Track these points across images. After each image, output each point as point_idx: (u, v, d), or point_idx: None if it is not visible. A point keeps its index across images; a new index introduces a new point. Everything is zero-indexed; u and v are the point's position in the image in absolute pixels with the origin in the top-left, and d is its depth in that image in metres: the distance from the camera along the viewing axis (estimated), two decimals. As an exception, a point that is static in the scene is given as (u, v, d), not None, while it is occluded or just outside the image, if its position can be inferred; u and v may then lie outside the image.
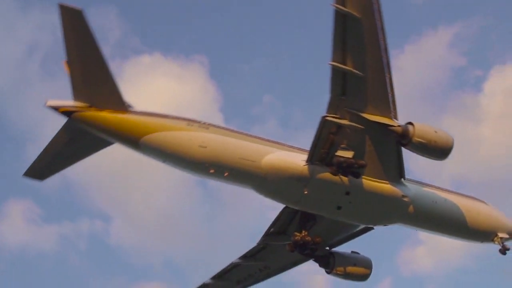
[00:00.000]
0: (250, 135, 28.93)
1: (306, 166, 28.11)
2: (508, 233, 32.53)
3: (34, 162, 28.82)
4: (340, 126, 27.59)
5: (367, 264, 32.30)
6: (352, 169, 27.51)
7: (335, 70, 26.43)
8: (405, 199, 29.73)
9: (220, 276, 34.63)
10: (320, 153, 28.13)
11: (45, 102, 27.01)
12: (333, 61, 26.21)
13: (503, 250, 31.93)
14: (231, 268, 34.04)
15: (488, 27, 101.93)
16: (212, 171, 27.67)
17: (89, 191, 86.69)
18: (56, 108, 26.92)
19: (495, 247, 32.55)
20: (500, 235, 32.16)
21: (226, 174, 27.85)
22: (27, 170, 29.24)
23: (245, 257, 33.37)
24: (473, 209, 31.85)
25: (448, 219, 31.16)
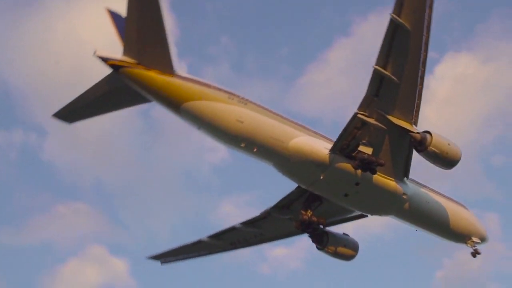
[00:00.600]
0: (282, 116, 30.38)
1: (328, 155, 30.08)
2: (480, 238, 36.26)
3: (67, 105, 29.07)
4: (365, 123, 29.57)
5: (355, 247, 35.20)
6: (371, 166, 29.74)
7: (375, 73, 28.18)
8: (404, 196, 32.51)
9: (217, 236, 36.68)
10: (342, 144, 30.15)
11: (95, 51, 27.13)
12: (376, 65, 27.96)
13: (474, 254, 35.74)
14: (230, 230, 36.10)
15: (452, 14, 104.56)
16: (243, 145, 29.09)
17: (29, 101, 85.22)
18: (104, 60, 27.14)
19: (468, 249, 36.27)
20: (474, 239, 35.84)
21: (255, 150, 29.38)
22: (57, 112, 29.50)
23: (246, 223, 35.44)
24: (457, 213, 35.21)
25: (435, 219, 34.38)
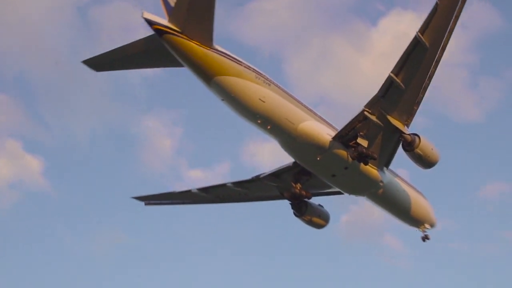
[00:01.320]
0: (296, 99, 33.15)
1: (329, 141, 33.47)
2: (430, 225, 41.74)
3: (100, 55, 30.17)
4: (367, 118, 33.09)
5: (327, 218, 39.53)
6: (366, 158, 33.55)
7: (389, 78, 31.50)
8: (381, 183, 36.85)
9: (206, 189, 39.73)
10: (342, 134, 33.63)
11: (142, 13, 28.18)
12: (392, 72, 31.28)
13: (424, 238, 41.26)
14: (220, 187, 39.22)
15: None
16: (259, 121, 31.76)
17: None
18: (150, 22, 28.30)
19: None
20: (426, 225, 41.26)
21: (269, 127, 32.18)
22: (88, 59, 30.52)
23: (236, 183, 38.64)
24: (418, 202, 40.23)
25: (400, 206, 39.22)
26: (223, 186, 39.22)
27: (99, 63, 30.77)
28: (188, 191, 40.08)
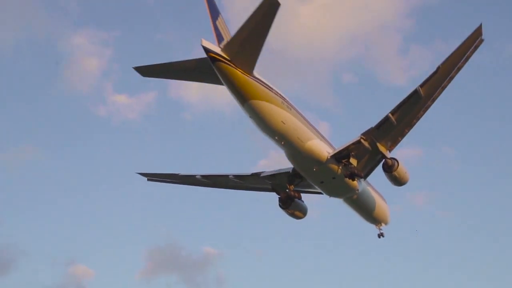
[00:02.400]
0: (308, 121, 38.98)
1: (327, 157, 39.88)
2: (385, 223, 49.98)
3: (152, 65, 34.40)
4: (361, 143, 39.77)
5: (305, 211, 46.33)
6: (354, 176, 40.41)
7: (386, 117, 38.13)
8: (357, 191, 44.09)
9: (208, 177, 45.28)
10: (339, 153, 40.18)
11: (201, 40, 32.49)
12: (390, 113, 37.92)
13: (380, 235, 49.48)
14: (221, 176, 44.86)
15: None
16: (277, 138, 37.41)
17: None
18: (206, 50, 32.69)
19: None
20: (383, 224, 49.49)
21: (282, 143, 37.94)
22: (138, 66, 34.55)
23: (237, 176, 44.43)
24: (381, 207, 48.10)
25: (367, 209, 46.88)
26: (225, 176, 44.85)
27: (147, 71, 34.80)
28: (193, 176, 45.37)
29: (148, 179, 47.30)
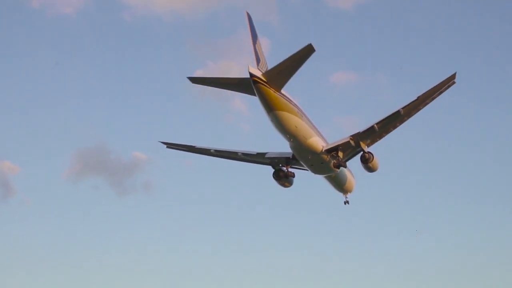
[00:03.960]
0: (312, 123, 49.32)
1: (321, 150, 50.87)
2: (351, 193, 62.65)
3: (203, 77, 43.35)
4: (349, 142, 51.03)
5: (292, 183, 57.57)
6: (340, 166, 51.99)
7: (372, 126, 49.32)
8: (337, 171, 55.91)
9: (219, 151, 55.29)
10: (330, 148, 51.33)
11: (248, 67, 41.48)
12: (376, 124, 49.11)
13: (346, 202, 62.21)
14: (231, 152, 54.95)
15: None
16: (288, 136, 47.69)
17: None
18: (251, 74, 41.77)
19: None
20: (348, 193, 62.18)
21: (291, 140, 48.31)
22: (192, 77, 43.20)
23: (244, 153, 54.72)
24: (350, 181, 60.39)
25: (340, 183, 59.00)
26: (234, 153, 55.04)
27: (198, 80, 43.51)
28: (207, 149, 55.16)
29: (167, 147, 56.49)
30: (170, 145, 56.55)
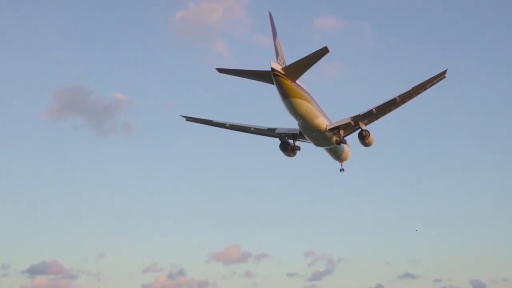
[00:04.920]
0: (319, 106, 56.30)
1: (325, 128, 58.18)
2: (346, 161, 70.60)
3: (230, 69, 49.65)
4: (349, 122, 58.39)
5: (295, 153, 65.29)
6: (340, 142, 59.53)
7: (371, 109, 56.59)
8: (335, 144, 63.49)
9: (233, 125, 62.29)
10: (333, 127, 58.65)
11: (270, 62, 47.91)
12: (374, 108, 56.35)
13: (341, 170, 70.21)
14: (245, 127, 61.88)
15: None
16: (298, 118, 54.77)
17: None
18: (272, 68, 48.23)
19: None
20: (344, 162, 70.09)
21: (301, 121, 55.43)
22: (220, 68, 49.43)
23: (257, 128, 61.78)
24: (346, 151, 68.16)
25: (338, 153, 66.86)
26: (248, 127, 61.92)
27: (224, 70, 49.75)
28: (224, 123, 61.93)
29: (186, 120, 63.02)
30: (189, 118, 63.12)
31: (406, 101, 56.84)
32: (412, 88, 54.88)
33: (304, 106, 53.52)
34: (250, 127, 62.42)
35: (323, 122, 58.01)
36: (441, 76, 53.87)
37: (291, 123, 60.28)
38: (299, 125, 57.98)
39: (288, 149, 63.49)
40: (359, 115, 57.98)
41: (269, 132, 62.95)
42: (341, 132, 59.64)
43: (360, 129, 60.02)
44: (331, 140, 60.82)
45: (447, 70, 53.26)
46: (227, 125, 62.54)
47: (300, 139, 63.55)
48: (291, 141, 62.63)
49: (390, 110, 57.98)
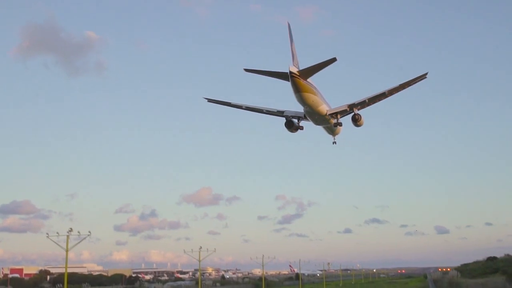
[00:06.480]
0: (322, 96, 68.66)
1: (325, 113, 70.86)
2: (338, 135, 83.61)
3: (256, 69, 61.20)
4: (345, 109, 71.17)
5: (297, 130, 77.98)
6: (337, 125, 72.43)
7: (364, 99, 69.39)
8: (332, 123, 76.27)
9: (249, 107, 74.23)
10: (332, 112, 71.35)
11: (289, 66, 59.77)
12: (367, 99, 69.17)
13: (334, 142, 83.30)
14: (258, 109, 73.95)
15: None
16: (306, 107, 67.22)
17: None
18: (290, 71, 60.17)
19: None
20: (336, 136, 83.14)
21: (307, 108, 67.88)
22: (249, 68, 60.97)
23: (268, 110, 74.03)
24: (339, 128, 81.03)
25: (332, 129, 79.65)
26: (260, 109, 74.05)
27: (253, 70, 61.29)
28: (240, 105, 73.75)
29: (208, 101, 74.53)
30: (211, 100, 74.71)
31: (393, 93, 69.56)
32: (399, 85, 67.54)
33: (311, 98, 65.88)
34: (263, 109, 74.56)
35: (325, 108, 70.57)
36: (422, 77, 66.59)
37: (296, 107, 72.95)
38: (305, 110, 70.42)
39: (293, 127, 76.06)
40: (354, 103, 70.68)
41: (279, 114, 75.22)
42: (338, 116, 72.40)
43: (353, 113, 72.84)
44: (329, 122, 73.59)
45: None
46: (243, 107, 74.39)
47: (303, 120, 76.15)
48: (295, 121, 75.12)
49: (379, 100, 70.68)
